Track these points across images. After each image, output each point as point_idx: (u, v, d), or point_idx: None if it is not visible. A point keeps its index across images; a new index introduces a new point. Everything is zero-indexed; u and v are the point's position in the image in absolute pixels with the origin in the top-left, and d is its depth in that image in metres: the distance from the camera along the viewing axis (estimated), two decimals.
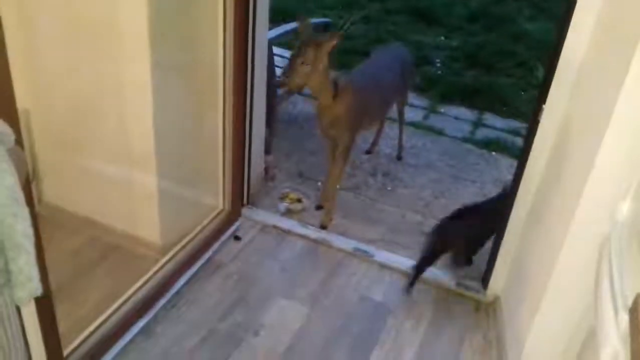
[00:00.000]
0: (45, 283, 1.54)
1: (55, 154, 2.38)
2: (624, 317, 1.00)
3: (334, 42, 2.35)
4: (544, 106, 2.01)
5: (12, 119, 1.28)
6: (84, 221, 2.41)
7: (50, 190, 2.49)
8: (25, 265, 1.08)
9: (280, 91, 3.07)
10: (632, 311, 0.86)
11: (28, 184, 1.40)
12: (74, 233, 2.37)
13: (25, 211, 1.09)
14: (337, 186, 2.84)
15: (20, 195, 1.07)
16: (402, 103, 3.38)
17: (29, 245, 1.09)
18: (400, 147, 3.47)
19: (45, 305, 1.53)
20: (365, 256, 2.57)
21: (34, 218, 1.51)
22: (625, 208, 1.36)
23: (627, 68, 1.39)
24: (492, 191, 3.24)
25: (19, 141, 1.33)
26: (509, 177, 3.35)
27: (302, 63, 2.33)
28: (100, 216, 2.41)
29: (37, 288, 1.11)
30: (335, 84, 2.49)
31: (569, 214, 1.65)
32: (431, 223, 2.89)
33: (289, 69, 2.36)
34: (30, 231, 1.09)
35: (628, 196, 1.37)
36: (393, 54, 3.17)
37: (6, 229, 1.05)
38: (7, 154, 1.10)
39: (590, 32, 1.85)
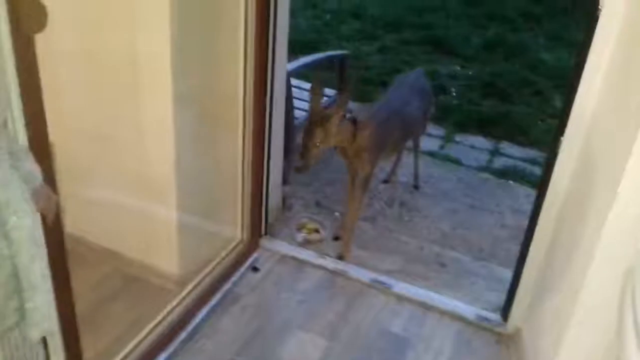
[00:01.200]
0: (73, 316, 1.56)
1: (76, 187, 2.42)
2: None
3: (341, 114, 2.40)
4: (562, 138, 2.01)
5: (45, 157, 1.31)
6: (105, 253, 2.44)
7: (72, 222, 2.52)
8: (41, 305, 1.10)
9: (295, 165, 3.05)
10: None
11: (59, 222, 1.43)
12: (96, 265, 2.39)
13: (43, 251, 1.11)
14: (357, 217, 2.84)
15: (39, 236, 1.10)
16: (420, 133, 3.39)
17: (45, 286, 1.11)
18: (417, 176, 3.47)
19: (71, 339, 1.54)
20: (384, 287, 2.56)
21: (65, 254, 1.55)
22: None
23: None
24: (511, 220, 3.22)
25: (51, 179, 1.37)
26: (527, 206, 3.34)
27: (314, 145, 2.38)
28: (120, 247, 2.43)
29: (51, 327, 1.13)
30: (354, 122, 2.51)
31: (591, 246, 1.64)
32: (449, 254, 2.89)
33: (303, 152, 2.41)
34: (47, 271, 1.11)
35: None
36: (414, 83, 3.18)
37: (23, 269, 1.07)
38: (32, 194, 1.12)
39: (608, 62, 1.85)
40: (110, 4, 2.02)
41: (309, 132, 2.38)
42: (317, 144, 2.37)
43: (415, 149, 3.40)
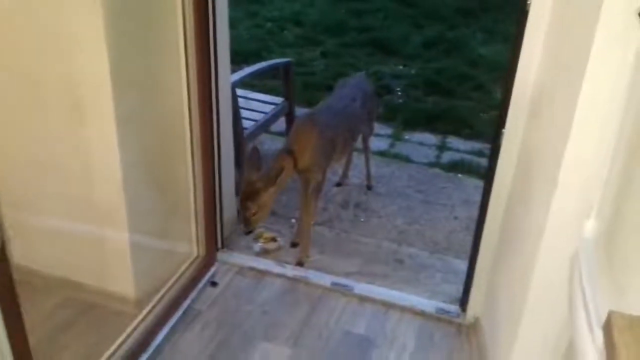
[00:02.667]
0: (27, 351, 1.51)
1: (19, 214, 2.33)
2: (599, 334, 1.03)
3: (274, 188, 2.48)
4: (503, 130, 2.08)
5: None
6: (56, 281, 2.36)
7: (19, 252, 2.43)
8: None
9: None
10: (605, 329, 0.89)
11: (4, 254, 1.38)
12: (47, 294, 2.31)
13: None
14: (312, 222, 2.85)
15: None
16: (368, 134, 3.43)
17: None
18: (369, 176, 3.51)
19: None
20: (345, 290, 2.57)
21: (14, 287, 1.49)
22: (590, 226, 1.41)
23: (579, 89, 1.46)
24: (463, 212, 3.30)
25: None
26: (477, 197, 3.43)
27: (251, 215, 2.47)
28: (72, 274, 2.35)
29: None
30: (290, 152, 2.56)
31: (538, 232, 1.70)
32: (406, 250, 2.94)
33: (244, 223, 2.52)
34: None
35: (592, 214, 1.42)
36: (355, 86, 3.22)
37: None
38: None
39: (541, 53, 1.93)
40: (43, 26, 1.96)
41: (243, 205, 2.47)
42: (254, 214, 2.46)
43: (366, 150, 3.44)
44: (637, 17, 1.26)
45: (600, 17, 1.36)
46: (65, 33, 1.94)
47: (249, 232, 2.59)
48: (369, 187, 3.50)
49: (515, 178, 2.11)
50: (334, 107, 2.98)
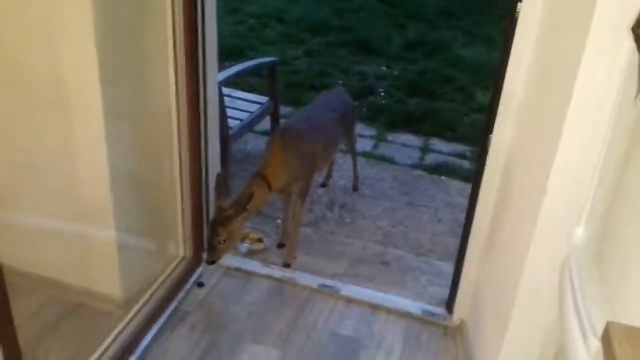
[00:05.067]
0: (18, 353, 1.49)
1: (3, 213, 2.29)
2: (594, 342, 1.06)
3: (244, 217, 2.41)
4: (491, 136, 2.11)
5: None
6: (40, 281, 2.32)
7: (1, 251, 2.39)
8: None
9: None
10: (604, 340, 0.91)
11: None
12: (31, 294, 2.27)
13: None
14: (298, 226, 2.85)
15: None
16: (351, 142, 3.42)
17: None
18: (356, 177, 3.53)
19: None
20: (331, 291, 2.58)
21: (4, 288, 1.46)
22: (580, 232, 1.45)
23: (570, 96, 1.49)
24: (446, 214, 3.34)
25: None
26: (460, 199, 3.49)
27: (218, 242, 2.37)
28: (56, 274, 2.32)
29: None
30: (261, 176, 2.52)
31: (526, 238, 1.72)
32: (392, 252, 2.96)
33: (209, 249, 2.41)
34: None
35: (581, 221, 1.45)
36: (336, 98, 3.23)
37: None
38: None
39: (530, 58, 1.95)
40: (31, 20, 1.92)
41: (212, 230, 2.39)
42: (221, 242, 2.37)
43: (353, 154, 3.48)
44: (630, 31, 1.29)
45: (591, 29, 1.40)
46: (53, 28, 1.90)
47: (212, 262, 2.43)
48: (355, 189, 3.51)
49: (502, 182, 2.15)
50: (312, 117, 2.97)
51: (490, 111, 2.12)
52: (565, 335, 1.28)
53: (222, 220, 2.37)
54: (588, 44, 1.42)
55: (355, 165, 3.51)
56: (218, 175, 2.53)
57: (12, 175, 2.23)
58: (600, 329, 0.94)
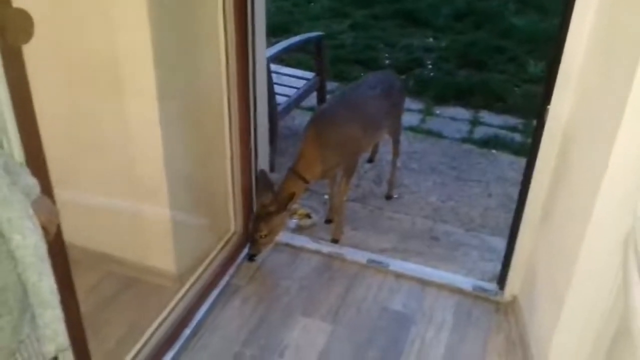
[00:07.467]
0: (81, 328, 1.55)
1: (64, 192, 2.37)
2: None
3: (285, 214, 2.48)
4: (548, 107, 2.03)
5: (41, 169, 1.28)
6: (99, 256, 2.40)
7: (64, 229, 2.48)
8: (51, 321, 1.09)
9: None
10: None
11: (59, 234, 1.41)
12: (90, 269, 2.35)
13: (48, 267, 1.10)
14: (345, 199, 2.85)
15: (43, 252, 1.08)
16: (395, 131, 3.10)
17: (55, 301, 1.10)
18: (392, 185, 3.16)
19: (81, 349, 1.53)
20: (380, 267, 2.58)
21: (68, 266, 1.52)
22: None
23: (637, 64, 1.41)
24: (498, 189, 3.27)
25: (48, 190, 1.34)
26: (511, 173, 3.40)
27: (260, 237, 2.45)
28: (114, 250, 2.40)
29: (63, 343, 1.12)
30: (297, 174, 2.53)
31: (586, 213, 1.67)
32: (441, 227, 2.93)
33: (252, 243, 2.49)
34: (54, 287, 1.10)
35: None
36: (381, 79, 3.00)
37: (32, 287, 1.06)
38: (33, 207, 1.10)
39: (591, 29, 1.86)
40: (87, 4, 1.96)
41: (254, 225, 2.46)
42: (263, 236, 2.44)
43: (394, 155, 3.17)
44: None
45: None
46: (108, 10, 1.93)
47: (252, 257, 2.49)
48: (388, 197, 3.15)
49: (559, 155, 2.07)
50: (350, 96, 2.86)
51: (547, 82, 2.04)
52: (630, 311, 1.24)
53: (264, 216, 2.43)
54: None
55: (394, 168, 3.17)
56: (261, 171, 2.57)
57: (73, 155, 2.30)
58: None
